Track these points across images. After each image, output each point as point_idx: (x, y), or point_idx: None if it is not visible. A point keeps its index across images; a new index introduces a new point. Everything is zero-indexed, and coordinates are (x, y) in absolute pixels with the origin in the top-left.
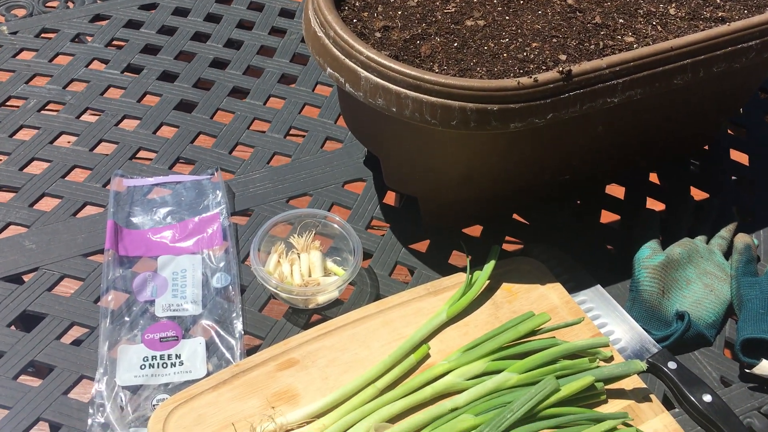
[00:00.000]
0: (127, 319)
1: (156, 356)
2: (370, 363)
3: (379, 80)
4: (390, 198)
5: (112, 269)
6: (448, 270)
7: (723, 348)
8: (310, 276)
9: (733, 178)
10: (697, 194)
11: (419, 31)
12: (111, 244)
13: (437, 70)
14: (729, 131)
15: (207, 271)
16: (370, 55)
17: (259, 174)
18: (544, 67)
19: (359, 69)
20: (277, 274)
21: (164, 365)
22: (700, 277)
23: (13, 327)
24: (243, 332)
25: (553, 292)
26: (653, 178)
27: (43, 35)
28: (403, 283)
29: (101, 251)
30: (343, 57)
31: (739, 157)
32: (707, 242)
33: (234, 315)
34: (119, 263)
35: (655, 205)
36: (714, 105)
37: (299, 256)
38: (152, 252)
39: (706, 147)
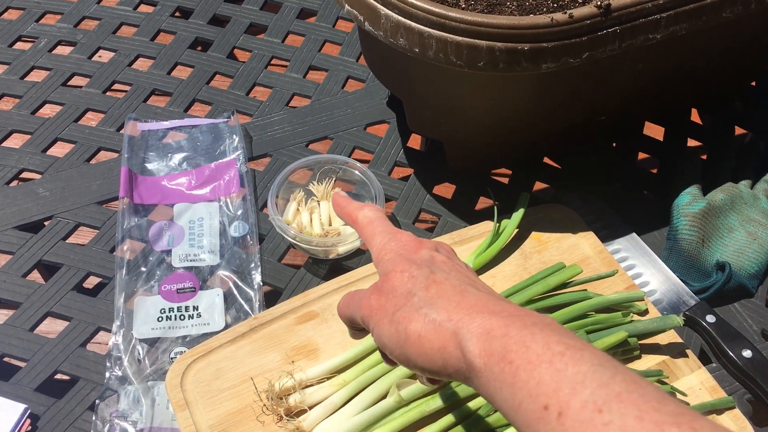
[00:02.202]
0: (143, 269)
1: (173, 308)
2: None
3: (400, 18)
4: (414, 141)
5: (127, 218)
6: (475, 218)
7: (765, 300)
8: (330, 225)
9: None
10: (742, 134)
11: None
12: (125, 191)
13: (464, 6)
14: None
15: (224, 219)
16: None
17: (278, 117)
18: (579, 1)
19: (379, 6)
20: (296, 224)
21: (182, 317)
22: (743, 224)
23: (29, 277)
24: (262, 283)
25: (586, 242)
26: (695, 117)
27: None
28: (427, 230)
29: (116, 198)
30: None
31: None
32: (752, 187)
33: (252, 265)
34: (134, 211)
35: (697, 146)
36: (764, 38)
37: (319, 204)
38: (168, 199)
39: (753, 83)
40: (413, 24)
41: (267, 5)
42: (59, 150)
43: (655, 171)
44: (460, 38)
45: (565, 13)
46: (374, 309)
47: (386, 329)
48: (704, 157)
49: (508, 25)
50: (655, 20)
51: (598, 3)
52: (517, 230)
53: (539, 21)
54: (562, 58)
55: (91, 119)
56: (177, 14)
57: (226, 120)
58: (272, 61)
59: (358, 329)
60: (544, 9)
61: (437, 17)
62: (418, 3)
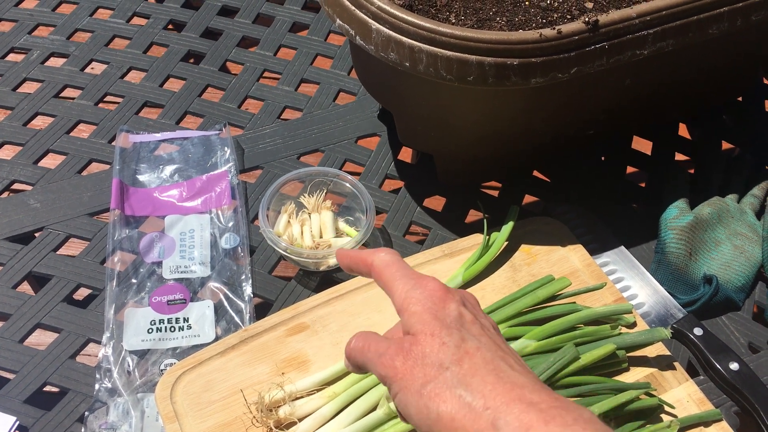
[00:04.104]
0: (134, 281)
1: (164, 320)
2: (382, 328)
3: (391, 33)
4: (405, 154)
5: (118, 229)
6: (465, 230)
7: (752, 313)
8: (321, 237)
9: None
10: (729, 148)
11: None
12: (117, 203)
13: (454, 21)
14: (765, 80)
15: (215, 231)
16: (382, 6)
17: (269, 129)
18: (568, 17)
19: (370, 20)
20: (287, 236)
21: (172, 329)
22: (730, 238)
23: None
24: (252, 295)
25: (575, 254)
26: (682, 131)
27: None
28: (417, 243)
29: (107, 210)
30: (353, 7)
31: None
32: (738, 201)
33: (243, 277)
34: (125, 223)
35: (684, 161)
36: (750, 54)
37: (310, 216)
38: (159, 211)
39: (740, 98)
40: (404, 38)
41: (259, 18)
42: (51, 161)
43: (643, 184)
44: (450, 53)
45: (554, 29)
46: (399, 373)
47: (414, 401)
48: (692, 171)
49: (497, 40)
50: (643, 36)
51: (586, 19)
52: (506, 243)
53: (528, 36)
54: (550, 73)
55: (83, 131)
56: (170, 27)
57: (217, 132)
58: (264, 74)
59: (362, 372)
60: (533, 24)
61: (427, 32)
62: (409, 18)
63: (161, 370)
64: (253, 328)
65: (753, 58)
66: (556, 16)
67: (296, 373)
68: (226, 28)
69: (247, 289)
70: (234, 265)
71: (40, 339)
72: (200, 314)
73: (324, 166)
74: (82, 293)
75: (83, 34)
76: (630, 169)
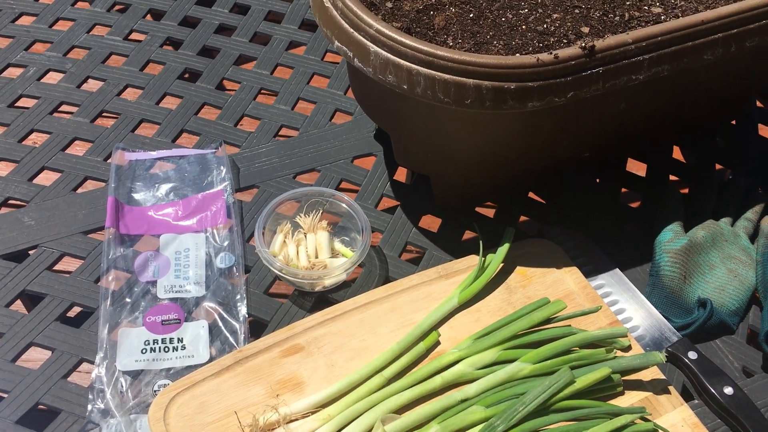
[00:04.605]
0: (128, 300)
1: (158, 340)
2: (377, 350)
3: (389, 55)
4: (401, 174)
5: (112, 248)
6: (461, 251)
7: (746, 336)
8: (316, 257)
9: (761, 155)
10: (723, 171)
11: (433, 0)
12: (112, 222)
13: (451, 44)
14: (758, 104)
15: (210, 250)
16: (380, 29)
17: (266, 148)
18: (565, 41)
19: (368, 43)
20: (283, 256)
21: (166, 349)
22: (724, 261)
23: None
24: (247, 315)
25: (570, 277)
26: (677, 154)
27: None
28: (413, 263)
29: (102, 228)
30: (352, 30)
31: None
32: (732, 224)
33: (238, 297)
34: (120, 242)
35: (678, 183)
36: (745, 78)
37: (306, 236)
38: (154, 230)
39: (733, 122)
40: (402, 61)
41: (256, 37)
42: (46, 179)
43: (637, 206)
44: (447, 76)
45: (551, 53)
46: None
47: None
48: (685, 190)
49: (495, 64)
50: (638, 62)
51: (583, 44)
52: (502, 264)
53: (525, 61)
54: (547, 97)
55: (79, 148)
56: (167, 45)
57: (213, 151)
58: (261, 93)
59: None
60: (530, 48)
61: (425, 55)
62: (407, 41)
63: (155, 391)
64: (248, 349)
65: (746, 82)
66: (552, 40)
67: (291, 395)
68: (223, 47)
69: (242, 309)
70: (229, 285)
71: (33, 358)
72: (195, 334)
73: (320, 186)
74: (75, 312)
75: (80, 50)
76: (625, 191)
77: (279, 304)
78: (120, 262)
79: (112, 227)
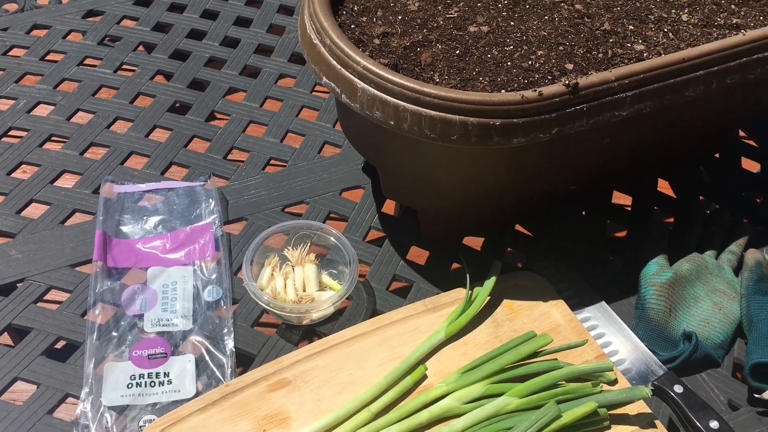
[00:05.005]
0: (114, 334)
1: (144, 374)
2: (364, 384)
3: (376, 92)
4: (389, 206)
5: (100, 281)
6: (448, 284)
7: (732, 370)
8: (304, 290)
9: (744, 188)
10: (708, 204)
11: (420, 37)
12: (99, 255)
13: (438, 80)
14: (741, 136)
15: (198, 283)
16: (368, 66)
17: (254, 180)
18: (549, 77)
19: (356, 80)
20: (270, 289)
21: (152, 384)
22: (709, 294)
23: None
24: (234, 349)
25: (556, 310)
26: (662, 186)
27: (34, 32)
28: (400, 296)
29: (90, 261)
30: (340, 66)
31: (751, 165)
32: (717, 257)
33: (225, 331)
34: (107, 275)
35: (663, 215)
36: (727, 113)
37: (293, 269)
38: (142, 263)
39: (717, 155)
40: (389, 98)
41: (246, 70)
42: (34, 211)
43: (623, 239)
44: (434, 113)
45: (535, 90)
46: None
47: None
48: (671, 225)
49: (480, 101)
50: (621, 98)
51: (567, 82)
52: (489, 297)
53: (510, 98)
54: (532, 133)
55: (67, 181)
56: (158, 77)
57: (202, 183)
58: (250, 125)
59: None
60: (515, 84)
61: (412, 92)
62: (394, 78)
63: (140, 427)
64: (234, 384)
65: (729, 117)
66: (537, 76)
67: (277, 430)
68: (214, 79)
69: (229, 343)
70: (216, 318)
71: (19, 393)
72: (181, 369)
73: (308, 219)
74: (61, 346)
75: (70, 83)
76: (611, 224)
77: (266, 338)
78: (107, 295)
79: (100, 260)
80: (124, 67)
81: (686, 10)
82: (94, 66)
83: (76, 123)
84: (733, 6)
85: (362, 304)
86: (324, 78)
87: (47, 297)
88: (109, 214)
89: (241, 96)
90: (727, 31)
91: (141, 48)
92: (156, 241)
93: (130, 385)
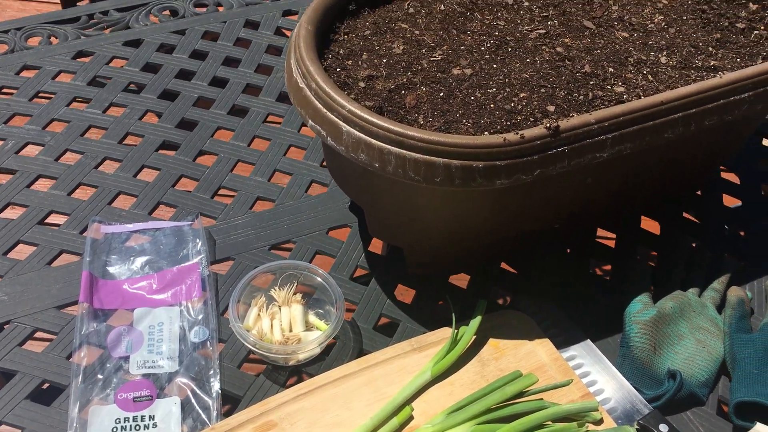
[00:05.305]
0: (100, 376)
1: (129, 418)
2: (351, 425)
3: (361, 135)
4: (375, 244)
5: (85, 323)
6: (434, 323)
7: (716, 408)
8: (290, 331)
9: (726, 224)
10: (690, 242)
11: (404, 80)
12: (85, 296)
13: (422, 122)
14: (722, 173)
15: (185, 324)
16: (353, 109)
17: (242, 220)
18: (531, 119)
19: (341, 123)
20: (257, 330)
21: (137, 428)
22: (693, 332)
23: None
24: (220, 391)
25: (542, 349)
26: (645, 224)
27: (24, 72)
28: (387, 336)
29: (76, 302)
30: (325, 110)
31: (733, 202)
32: (699, 295)
33: (211, 372)
34: (93, 316)
35: (646, 252)
36: (706, 153)
37: (280, 309)
38: (128, 304)
39: (699, 192)
40: (373, 141)
41: (234, 109)
42: (21, 252)
43: (608, 276)
44: (418, 155)
45: (517, 133)
46: None
47: None
48: (654, 262)
49: (463, 144)
50: (602, 141)
51: (548, 124)
52: (474, 337)
53: (492, 141)
54: (514, 175)
55: (55, 221)
56: (146, 117)
57: (190, 223)
58: (238, 164)
59: None
60: (498, 126)
61: (396, 135)
62: (378, 121)
63: None
64: (220, 427)
65: (709, 156)
66: (519, 118)
67: None
68: (202, 119)
69: (215, 385)
70: (202, 360)
71: None
72: (166, 411)
73: (295, 258)
74: (46, 387)
75: (59, 123)
76: (595, 261)
77: (252, 379)
78: (93, 337)
79: (86, 302)
80: (113, 107)
81: (665, 53)
82: (85, 104)
83: (65, 163)
84: (710, 48)
85: (349, 344)
86: (310, 121)
87: (32, 340)
88: (96, 254)
89: (229, 135)
90: (704, 73)
91: (132, 85)
92: (143, 281)
93: (115, 429)
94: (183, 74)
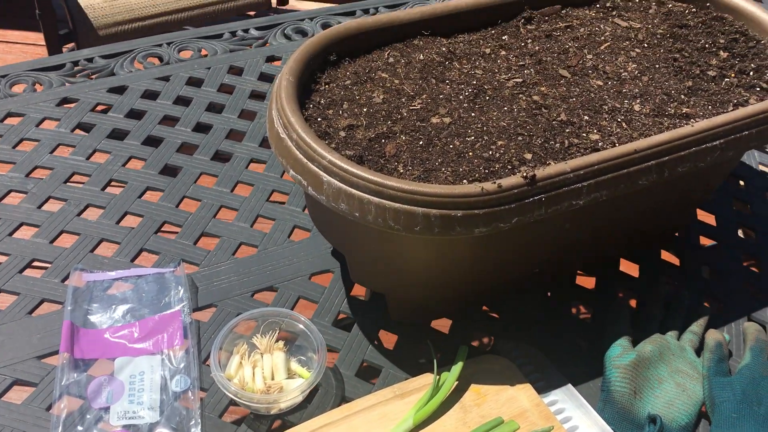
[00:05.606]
0: (79, 428)
1: None
2: None
3: (341, 185)
4: (358, 289)
5: (66, 373)
6: (417, 368)
7: None
8: (272, 379)
9: (703, 266)
10: (669, 284)
11: (384, 129)
12: (66, 346)
13: (402, 171)
14: (699, 215)
15: (166, 373)
16: (333, 160)
17: (225, 266)
18: (509, 167)
19: (322, 173)
20: (238, 378)
21: None
22: (672, 375)
23: None
24: None
25: (523, 394)
26: (624, 266)
27: (8, 120)
28: (369, 382)
29: (57, 352)
30: (306, 160)
31: (709, 243)
32: (678, 338)
33: (192, 422)
34: (74, 366)
35: (626, 295)
36: (682, 197)
37: (262, 357)
38: (110, 353)
39: (676, 234)
40: (353, 191)
41: (218, 155)
42: (1, 302)
43: (588, 319)
44: (397, 205)
45: (494, 183)
46: None
47: None
48: (634, 305)
49: (441, 193)
50: (578, 188)
51: (525, 174)
52: (456, 383)
53: (470, 190)
54: (493, 223)
55: (37, 270)
56: (130, 163)
57: (172, 270)
58: (221, 210)
59: None
60: (477, 174)
61: (376, 185)
62: (358, 171)
63: None
64: None
65: (685, 200)
66: (498, 166)
67: None
68: (185, 165)
69: None
70: (183, 410)
71: None
72: None
73: (278, 304)
74: None
75: (43, 170)
76: (575, 304)
77: (234, 429)
78: (73, 387)
79: (67, 352)
80: (97, 153)
81: (638, 101)
82: (69, 149)
83: (48, 211)
84: (682, 96)
85: (331, 391)
86: (291, 171)
87: (12, 391)
88: (78, 303)
89: (212, 181)
90: (677, 121)
91: (114, 135)
92: (124, 330)
93: None
94: (167, 120)
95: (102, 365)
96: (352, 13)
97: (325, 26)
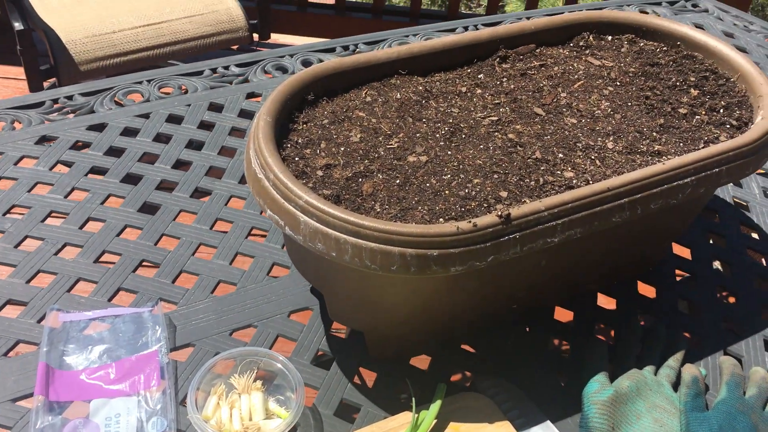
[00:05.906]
0: None
1: None
2: None
3: (318, 225)
4: (337, 326)
5: (40, 417)
6: (396, 406)
7: None
8: (250, 420)
9: (679, 299)
10: (645, 318)
11: (362, 168)
12: (41, 389)
13: (379, 210)
14: (674, 249)
15: (142, 414)
16: (309, 200)
17: (203, 304)
18: (485, 205)
19: (298, 213)
20: (216, 420)
21: None
22: (650, 411)
23: None
24: None
25: (502, 431)
26: (601, 300)
27: None
28: (348, 422)
29: (32, 395)
30: (282, 200)
31: (685, 276)
32: (655, 372)
33: None
34: (49, 409)
35: (604, 330)
36: (657, 232)
37: (240, 397)
38: (85, 395)
39: (651, 268)
40: (330, 231)
41: (197, 192)
42: None
43: (567, 355)
44: (374, 245)
45: (470, 222)
46: None
47: None
48: (611, 339)
49: (417, 233)
50: (552, 226)
51: (499, 213)
52: (435, 421)
53: (446, 230)
54: (468, 262)
55: (11, 311)
56: (108, 201)
57: (150, 309)
58: (200, 248)
59: None
60: (453, 213)
61: (352, 225)
62: (335, 212)
63: None
64: None
65: (660, 235)
66: (474, 204)
67: None
68: (164, 202)
69: None
70: None
71: None
72: None
73: (256, 343)
74: None
75: (20, 209)
76: (554, 339)
77: None
78: (48, 431)
79: (41, 394)
80: (75, 191)
81: (611, 138)
82: (48, 187)
83: (24, 250)
84: (654, 133)
85: (309, 431)
86: (268, 210)
87: None
88: (54, 344)
89: (191, 218)
90: (649, 158)
91: (93, 173)
92: (100, 371)
93: None
94: (146, 157)
95: (77, 407)
96: (332, 50)
97: (305, 63)
